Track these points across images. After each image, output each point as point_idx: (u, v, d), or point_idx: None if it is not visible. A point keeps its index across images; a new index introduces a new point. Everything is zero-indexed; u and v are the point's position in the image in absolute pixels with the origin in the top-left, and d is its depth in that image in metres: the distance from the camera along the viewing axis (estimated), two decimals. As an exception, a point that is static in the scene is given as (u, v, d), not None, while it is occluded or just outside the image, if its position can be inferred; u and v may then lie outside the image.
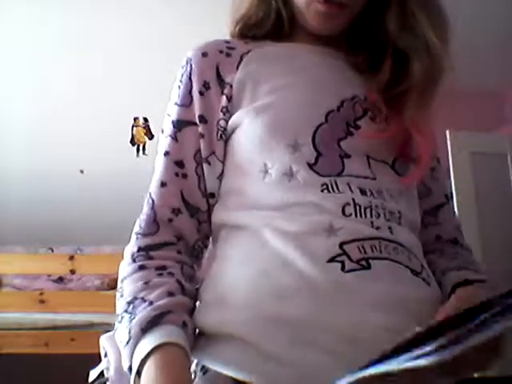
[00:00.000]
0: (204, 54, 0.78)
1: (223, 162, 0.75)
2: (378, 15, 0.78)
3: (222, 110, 0.75)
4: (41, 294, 2.49)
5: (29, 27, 2.52)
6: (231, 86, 0.75)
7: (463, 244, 0.82)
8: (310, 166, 0.68)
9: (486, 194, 2.60)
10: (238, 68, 0.76)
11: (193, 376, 0.63)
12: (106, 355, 1.46)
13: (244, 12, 0.83)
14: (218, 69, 0.76)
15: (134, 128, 3.04)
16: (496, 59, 2.79)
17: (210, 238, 0.77)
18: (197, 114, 0.75)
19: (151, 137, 3.03)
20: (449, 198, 0.85)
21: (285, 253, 0.63)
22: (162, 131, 0.78)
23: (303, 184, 0.67)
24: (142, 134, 3.05)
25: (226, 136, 0.75)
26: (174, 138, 0.75)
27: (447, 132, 2.62)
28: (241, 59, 0.77)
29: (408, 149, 0.74)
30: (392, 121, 0.73)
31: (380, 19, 0.78)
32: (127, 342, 0.61)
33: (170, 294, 0.64)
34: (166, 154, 0.75)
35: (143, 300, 0.64)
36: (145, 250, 0.70)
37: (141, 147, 3.07)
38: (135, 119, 3.01)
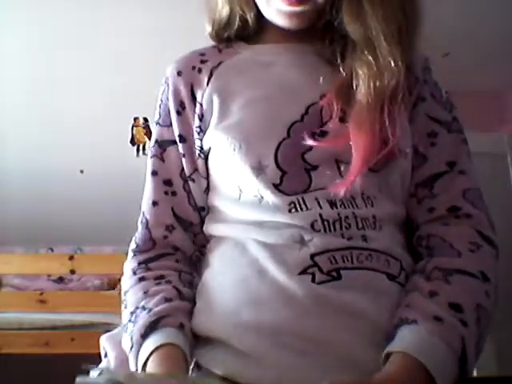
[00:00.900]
0: (179, 73, 0.79)
1: (207, 178, 0.77)
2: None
3: (196, 130, 0.76)
4: (41, 293, 2.49)
5: (28, 27, 2.52)
6: (201, 105, 0.76)
7: (467, 212, 0.71)
8: (276, 186, 0.68)
9: (486, 194, 2.60)
10: (208, 84, 0.77)
11: (190, 372, 0.66)
12: (106, 355, 1.47)
13: (213, 13, 0.83)
14: (192, 87, 0.78)
15: (134, 128, 3.04)
16: (496, 59, 2.79)
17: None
18: (176, 133, 0.78)
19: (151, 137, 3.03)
20: (454, 165, 0.74)
21: (262, 262, 0.66)
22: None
23: (272, 206, 0.68)
24: (141, 133, 3.04)
25: (204, 154, 0.77)
26: (160, 157, 0.78)
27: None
28: (211, 74, 0.78)
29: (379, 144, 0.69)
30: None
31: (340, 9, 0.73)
32: (131, 349, 0.66)
33: (167, 299, 0.68)
34: (154, 173, 0.78)
35: (143, 308, 0.68)
36: (144, 263, 0.74)
37: (141, 147, 3.07)
38: (135, 119, 3.01)
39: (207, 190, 0.78)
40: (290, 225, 0.67)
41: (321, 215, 0.66)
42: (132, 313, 0.69)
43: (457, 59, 2.58)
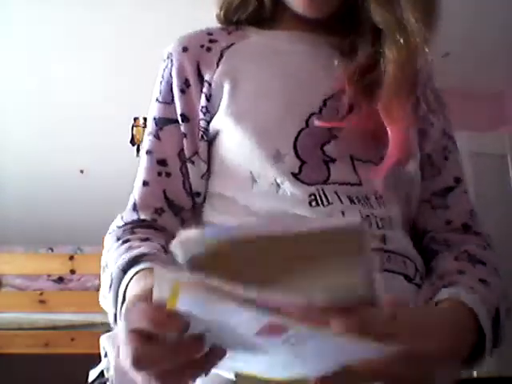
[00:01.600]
0: (184, 49, 0.74)
1: (208, 163, 0.72)
2: None
3: (201, 110, 0.71)
4: (41, 293, 2.49)
5: (28, 27, 2.52)
6: (210, 85, 0.71)
7: (476, 231, 0.74)
8: (295, 175, 0.65)
9: (486, 195, 2.60)
10: (218, 65, 0.72)
11: None
12: (106, 355, 1.47)
13: None
14: (198, 65, 0.72)
15: (134, 128, 3.04)
16: (496, 59, 2.79)
17: None
18: (178, 112, 0.72)
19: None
20: (461, 180, 0.76)
21: None
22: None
23: (290, 195, 0.65)
24: (141, 133, 3.04)
25: (208, 137, 0.72)
26: (157, 136, 0.73)
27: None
28: (221, 55, 0.73)
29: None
30: (367, 113, 0.68)
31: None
32: (110, 286, 0.61)
33: (151, 247, 0.63)
34: (149, 152, 0.73)
35: (125, 257, 0.63)
36: (130, 229, 0.69)
37: (141, 147, 3.07)
38: (135, 119, 3.01)
39: (205, 175, 0.72)
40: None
41: (343, 212, 0.63)
42: (103, 267, 0.66)
43: (457, 59, 2.58)
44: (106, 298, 0.63)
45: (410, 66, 0.67)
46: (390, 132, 0.66)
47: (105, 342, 1.45)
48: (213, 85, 0.71)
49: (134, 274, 0.57)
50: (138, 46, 2.59)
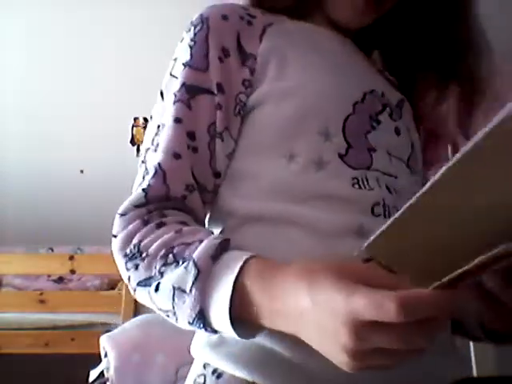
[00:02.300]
0: (224, 17, 0.68)
1: (236, 141, 0.67)
2: (408, 14, 0.76)
3: (243, 83, 0.66)
4: (41, 293, 2.50)
5: (28, 27, 2.52)
6: (255, 59, 0.67)
7: None
8: (341, 156, 0.62)
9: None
10: (261, 40, 0.69)
11: (202, 380, 0.58)
12: (106, 355, 1.47)
13: None
14: (238, 36, 0.68)
15: (134, 128, 3.04)
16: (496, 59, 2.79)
17: (206, 224, 0.68)
18: (214, 81, 0.65)
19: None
20: None
21: (313, 254, 0.55)
22: (162, 94, 0.68)
23: (333, 175, 0.61)
24: (141, 133, 3.04)
25: (243, 112, 0.67)
26: (187, 104, 0.64)
27: (447, 132, 2.62)
28: (264, 31, 0.70)
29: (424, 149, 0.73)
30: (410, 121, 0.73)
31: (411, 19, 0.76)
32: (196, 278, 0.49)
33: (211, 233, 0.55)
34: (178, 121, 0.64)
35: (187, 244, 0.53)
36: (157, 210, 0.59)
37: (141, 147, 3.07)
38: (135, 119, 3.01)
39: (231, 153, 0.66)
40: (348, 204, 0.60)
41: (384, 199, 0.61)
42: (165, 255, 0.53)
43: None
44: (181, 295, 0.50)
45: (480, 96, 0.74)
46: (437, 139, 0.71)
47: (105, 342, 1.46)
48: (258, 59, 0.67)
49: (244, 264, 0.49)
50: (138, 46, 2.59)
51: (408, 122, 0.74)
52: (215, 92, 0.65)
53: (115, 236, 0.58)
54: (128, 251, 0.56)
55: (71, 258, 2.59)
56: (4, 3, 2.41)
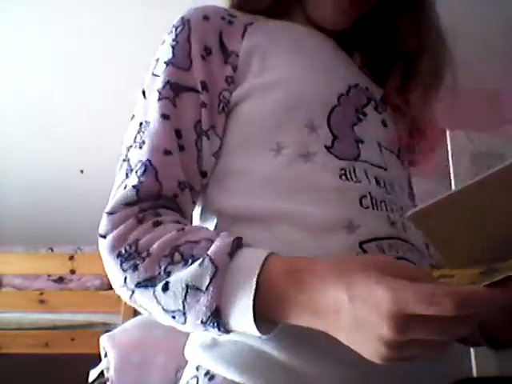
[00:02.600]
0: (205, 17, 0.69)
1: (221, 139, 0.66)
2: (383, 17, 0.79)
3: (226, 80, 0.67)
4: (41, 293, 2.49)
5: (29, 27, 2.52)
6: (237, 56, 0.68)
7: None
8: (327, 148, 0.63)
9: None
10: (243, 37, 0.70)
11: (194, 382, 0.58)
12: (106, 355, 1.46)
13: None
14: (220, 35, 0.69)
15: (134, 128, 3.04)
16: (496, 59, 2.79)
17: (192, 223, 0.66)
18: (198, 80, 0.65)
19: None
20: None
21: (304, 251, 0.54)
22: (144, 93, 0.68)
23: (321, 167, 0.62)
24: (141, 133, 3.05)
25: (227, 109, 0.66)
26: (173, 102, 0.64)
27: (447, 132, 2.62)
28: (245, 29, 0.71)
29: (410, 139, 0.75)
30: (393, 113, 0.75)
31: (385, 22, 0.79)
32: (214, 275, 0.47)
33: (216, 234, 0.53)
34: (166, 117, 0.63)
35: (194, 242, 0.52)
36: (151, 209, 0.57)
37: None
38: (135, 119, 3.01)
39: (217, 152, 0.66)
40: (336, 196, 0.60)
41: (370, 192, 0.61)
42: (169, 255, 0.51)
43: (456, 59, 2.58)
44: (196, 294, 0.48)
45: (439, 81, 0.79)
46: (424, 133, 0.75)
47: (105, 342, 1.46)
48: (240, 55, 0.68)
49: (264, 262, 0.48)
50: (138, 45, 2.59)
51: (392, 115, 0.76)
52: (200, 90, 0.65)
53: (104, 236, 0.56)
54: (123, 251, 0.53)
55: (71, 258, 2.59)
56: (4, 3, 2.41)
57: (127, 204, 0.57)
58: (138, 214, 0.56)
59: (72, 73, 2.71)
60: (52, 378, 2.46)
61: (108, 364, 1.38)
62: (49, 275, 2.83)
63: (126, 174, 0.60)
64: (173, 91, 0.64)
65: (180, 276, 0.49)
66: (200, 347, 0.59)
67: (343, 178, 0.61)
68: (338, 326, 0.44)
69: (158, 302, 0.51)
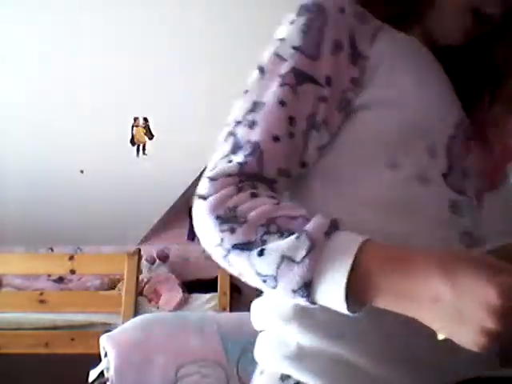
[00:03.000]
0: (342, 10, 0.67)
1: (332, 136, 0.66)
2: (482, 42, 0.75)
3: (352, 81, 0.65)
4: (41, 294, 2.50)
5: (28, 27, 2.52)
6: (367, 59, 0.66)
7: None
8: (445, 177, 0.63)
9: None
10: (373, 41, 0.67)
11: None
12: (106, 355, 1.47)
13: None
14: (353, 33, 0.66)
15: (134, 128, 3.04)
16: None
17: None
18: (324, 73, 0.64)
19: (151, 137, 3.03)
20: None
21: None
22: (263, 70, 0.66)
23: (434, 194, 0.63)
24: (141, 133, 3.05)
25: (347, 110, 0.66)
26: (294, 90, 0.63)
27: None
28: (376, 33, 0.68)
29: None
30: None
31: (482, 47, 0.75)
32: (309, 250, 0.50)
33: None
34: (283, 103, 0.62)
35: (291, 217, 0.54)
36: (250, 181, 0.59)
37: (141, 147, 3.08)
38: (135, 119, 3.01)
39: (323, 147, 0.65)
40: (442, 230, 0.62)
41: (470, 229, 0.63)
42: (266, 225, 0.54)
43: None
44: (289, 264, 0.51)
45: None
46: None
47: (105, 342, 1.46)
48: (371, 60, 0.66)
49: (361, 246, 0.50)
50: (138, 45, 2.60)
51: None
52: (323, 84, 0.64)
53: (204, 198, 0.58)
54: (222, 213, 0.56)
55: (71, 258, 2.58)
56: (4, 3, 2.41)
57: (229, 174, 0.59)
58: (237, 184, 0.58)
59: (72, 72, 2.71)
60: (52, 378, 2.46)
61: (108, 364, 1.38)
62: (49, 275, 2.84)
63: (233, 150, 0.62)
64: (296, 79, 0.64)
65: (276, 245, 0.52)
66: (286, 358, 0.61)
67: (451, 210, 0.62)
68: (434, 316, 0.46)
69: (252, 265, 0.54)
